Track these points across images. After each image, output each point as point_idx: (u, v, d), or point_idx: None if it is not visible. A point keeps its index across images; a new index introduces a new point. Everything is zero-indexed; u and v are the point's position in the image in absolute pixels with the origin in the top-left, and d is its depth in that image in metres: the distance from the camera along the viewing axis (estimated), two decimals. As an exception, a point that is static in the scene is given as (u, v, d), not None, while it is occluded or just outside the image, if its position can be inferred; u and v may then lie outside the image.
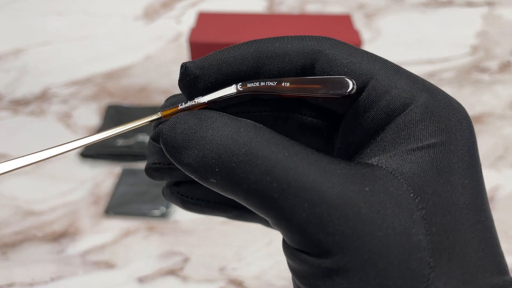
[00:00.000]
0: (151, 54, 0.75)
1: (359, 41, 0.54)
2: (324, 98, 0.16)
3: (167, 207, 0.49)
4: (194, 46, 0.54)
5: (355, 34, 0.55)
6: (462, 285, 0.14)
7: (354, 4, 0.89)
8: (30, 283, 0.44)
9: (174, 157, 0.16)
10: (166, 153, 0.16)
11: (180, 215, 0.49)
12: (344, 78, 0.15)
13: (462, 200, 0.15)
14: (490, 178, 0.55)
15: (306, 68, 0.17)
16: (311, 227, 0.14)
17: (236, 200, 0.15)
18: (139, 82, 0.69)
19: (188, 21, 0.82)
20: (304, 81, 0.16)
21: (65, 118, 0.63)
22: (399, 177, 0.14)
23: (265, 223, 0.20)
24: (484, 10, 0.88)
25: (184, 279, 0.44)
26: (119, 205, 0.50)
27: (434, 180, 0.14)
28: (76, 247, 0.47)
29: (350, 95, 0.15)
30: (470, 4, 0.89)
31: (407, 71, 0.16)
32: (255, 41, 0.17)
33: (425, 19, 0.86)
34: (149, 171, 0.20)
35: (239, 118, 0.16)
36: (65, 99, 0.66)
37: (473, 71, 0.73)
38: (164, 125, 0.17)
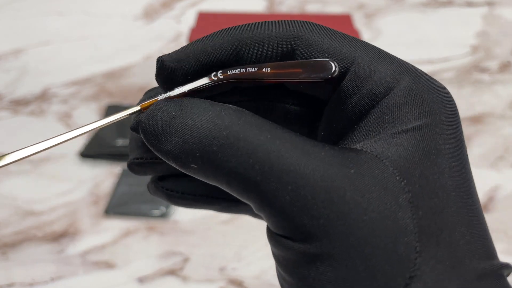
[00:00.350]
0: (151, 54, 0.75)
1: (359, 41, 0.54)
2: (306, 82, 0.16)
3: (167, 207, 0.49)
4: (194, 46, 0.54)
5: (355, 34, 0.55)
6: (449, 269, 0.13)
7: (354, 4, 0.89)
8: (30, 283, 0.44)
9: (153, 145, 0.16)
10: (145, 142, 0.16)
11: (180, 215, 0.49)
12: (325, 60, 0.15)
13: (450, 182, 0.14)
14: (490, 178, 0.55)
15: (286, 54, 0.16)
16: (295, 211, 0.13)
17: (219, 186, 0.15)
18: (139, 82, 0.69)
19: (188, 21, 0.82)
20: (285, 65, 0.16)
21: (65, 118, 0.63)
22: (384, 161, 0.14)
23: (253, 213, 0.20)
24: (484, 10, 0.88)
25: (184, 279, 0.44)
26: (119, 205, 0.50)
27: (421, 162, 0.14)
28: (76, 247, 0.47)
29: (332, 78, 0.15)
30: (470, 4, 0.89)
31: (390, 54, 0.16)
32: (233, 28, 0.17)
33: (425, 19, 0.86)
34: (131, 166, 0.20)
35: (220, 103, 0.15)
36: (65, 99, 0.66)
37: (473, 71, 0.73)
38: (143, 114, 0.16)
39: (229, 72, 0.16)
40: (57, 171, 0.54)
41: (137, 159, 0.20)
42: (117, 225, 0.49)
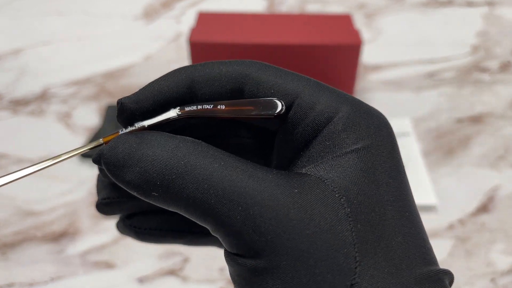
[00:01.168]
0: (151, 54, 0.75)
1: (359, 41, 0.54)
2: (257, 118, 0.18)
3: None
4: (194, 46, 0.54)
5: (355, 34, 0.55)
6: (388, 276, 0.15)
7: (355, 4, 0.89)
8: (30, 283, 0.44)
9: (115, 175, 0.17)
10: (107, 173, 0.17)
11: (180, 215, 0.49)
12: (273, 99, 0.17)
13: (387, 197, 0.16)
14: (490, 178, 0.55)
15: (236, 91, 0.18)
16: (246, 229, 0.15)
17: (178, 211, 0.16)
18: (139, 82, 0.69)
19: (188, 21, 0.82)
20: (238, 103, 0.18)
21: (65, 118, 0.63)
22: (326, 181, 0.15)
23: (219, 245, 0.21)
24: (484, 10, 0.88)
25: (184, 279, 0.44)
26: (119, 205, 0.50)
27: (359, 180, 0.15)
28: (76, 247, 0.47)
29: (280, 115, 0.17)
30: (470, 4, 0.89)
31: (329, 86, 0.18)
32: (185, 67, 0.18)
33: (425, 19, 0.86)
34: (99, 206, 0.21)
35: (178, 136, 0.17)
36: (65, 99, 0.66)
37: (474, 71, 0.73)
38: (105, 146, 0.17)
39: (187, 109, 0.18)
40: (57, 171, 0.54)
41: (105, 199, 0.21)
42: (117, 225, 0.49)
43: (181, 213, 0.16)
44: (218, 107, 0.18)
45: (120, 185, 0.17)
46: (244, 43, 0.54)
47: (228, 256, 0.16)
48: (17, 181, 0.17)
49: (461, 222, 0.50)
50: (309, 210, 0.15)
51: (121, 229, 0.22)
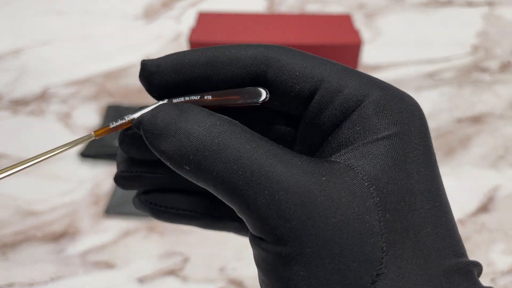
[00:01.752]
0: (151, 54, 0.75)
1: (359, 41, 0.54)
2: (242, 107, 0.18)
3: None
4: (194, 46, 0.54)
5: (355, 34, 0.55)
6: (416, 267, 0.14)
7: (354, 4, 0.89)
8: (30, 283, 0.44)
9: (151, 143, 0.17)
10: (144, 139, 0.17)
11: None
12: (257, 88, 0.17)
13: (417, 187, 0.15)
14: (490, 178, 0.55)
15: (259, 74, 0.18)
16: (270, 213, 0.15)
17: (207, 188, 0.16)
18: (139, 82, 0.69)
19: (188, 21, 0.82)
20: (224, 93, 0.18)
21: (65, 118, 0.63)
22: (355, 169, 0.15)
23: (235, 230, 0.21)
24: (484, 10, 0.88)
25: (184, 279, 0.44)
26: (119, 205, 0.50)
27: (390, 169, 0.15)
28: (76, 247, 0.47)
29: (264, 102, 0.17)
30: (470, 4, 0.89)
31: (357, 71, 0.17)
32: (210, 47, 0.18)
33: (425, 19, 0.86)
34: (118, 179, 0.21)
35: (217, 114, 0.17)
36: (64, 99, 0.66)
37: (474, 71, 0.73)
38: (146, 113, 0.17)
39: (174, 101, 0.18)
40: (57, 171, 0.54)
41: (124, 172, 0.21)
42: (117, 225, 0.49)
43: (209, 190, 0.16)
44: (205, 97, 0.18)
45: (154, 152, 0.17)
46: (244, 43, 0.54)
47: (253, 239, 0.16)
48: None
49: (461, 222, 0.50)
50: (336, 198, 0.14)
51: (137, 205, 0.22)
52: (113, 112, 0.62)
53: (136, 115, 0.18)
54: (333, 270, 0.14)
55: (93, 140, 0.19)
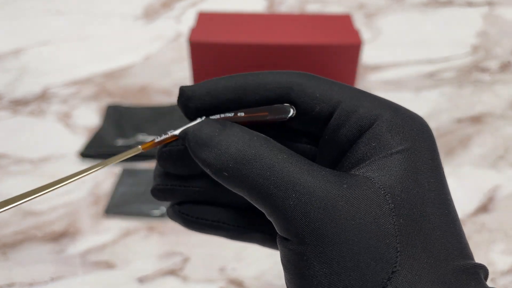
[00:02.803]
0: (151, 54, 0.75)
1: (359, 41, 0.54)
2: (271, 121, 0.20)
3: (167, 207, 0.49)
4: (194, 46, 0.54)
5: (355, 34, 0.55)
6: (427, 266, 0.16)
7: (354, 3, 0.89)
8: (30, 283, 0.44)
9: (194, 152, 0.19)
10: (188, 148, 0.20)
11: (180, 215, 0.49)
12: (285, 105, 0.20)
13: (428, 195, 0.17)
14: (490, 178, 0.55)
15: (283, 96, 0.20)
16: (297, 215, 0.16)
17: (241, 193, 0.18)
18: (139, 82, 0.69)
19: (188, 21, 0.82)
20: (255, 110, 0.20)
21: (65, 118, 0.63)
22: (372, 179, 0.17)
23: (259, 241, 0.24)
24: (484, 10, 0.88)
25: (184, 279, 0.44)
26: (119, 205, 0.50)
27: (403, 179, 0.17)
28: (76, 247, 0.47)
29: (291, 118, 0.19)
30: (470, 4, 0.89)
31: (371, 93, 0.19)
32: (241, 74, 0.21)
33: (425, 19, 0.86)
34: (154, 191, 0.23)
35: (253, 131, 0.20)
36: (65, 99, 0.66)
37: (474, 71, 0.73)
38: (191, 127, 0.20)
39: (211, 117, 0.21)
40: (57, 171, 0.54)
41: (159, 185, 0.23)
42: (117, 225, 0.49)
43: (243, 195, 0.18)
44: (238, 114, 0.20)
45: (196, 160, 0.19)
46: (244, 43, 0.54)
47: (281, 241, 0.18)
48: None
49: (461, 222, 0.50)
50: (356, 204, 0.16)
51: (170, 215, 0.24)
52: (113, 111, 0.62)
53: (177, 131, 0.21)
54: (353, 267, 0.16)
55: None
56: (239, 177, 0.18)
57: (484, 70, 0.73)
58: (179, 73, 0.71)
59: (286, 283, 0.18)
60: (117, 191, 0.51)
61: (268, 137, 0.19)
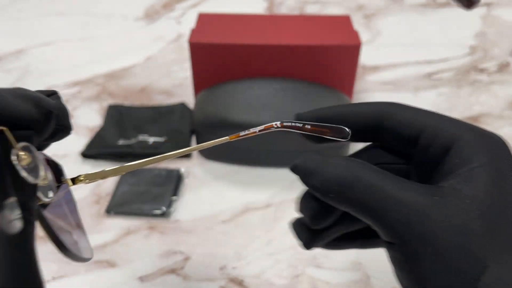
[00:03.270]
0: (152, 54, 0.76)
1: (358, 42, 0.54)
2: (329, 138, 0.24)
3: (168, 206, 0.50)
4: (195, 46, 0.55)
5: (354, 34, 0.56)
6: None
7: (353, 5, 0.89)
8: (32, 281, 0.44)
9: (304, 180, 0.23)
10: (298, 177, 0.24)
11: (181, 214, 0.50)
12: (343, 127, 0.23)
13: (509, 200, 0.20)
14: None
15: (378, 123, 0.24)
16: (398, 223, 0.20)
17: (346, 209, 0.22)
18: (140, 83, 0.70)
19: (189, 22, 0.83)
20: (320, 126, 0.24)
21: (67, 118, 0.63)
22: (458, 190, 0.20)
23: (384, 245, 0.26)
24: (482, 10, 0.88)
25: (185, 278, 0.44)
26: (120, 205, 0.50)
27: (486, 188, 0.20)
28: (78, 246, 0.47)
29: (347, 139, 0.23)
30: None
31: (450, 116, 0.23)
32: (342, 105, 0.25)
33: (424, 19, 0.86)
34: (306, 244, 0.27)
35: (350, 157, 0.23)
36: (66, 99, 0.66)
37: (472, 71, 0.73)
38: (299, 159, 0.24)
39: (285, 123, 0.25)
40: (59, 171, 0.55)
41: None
42: (118, 224, 0.49)
43: (348, 211, 0.22)
44: (306, 126, 0.24)
45: (305, 186, 0.23)
46: (244, 44, 0.54)
47: (387, 245, 0.21)
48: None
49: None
50: (445, 211, 0.19)
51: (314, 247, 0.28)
52: (114, 111, 0.63)
53: (257, 128, 0.25)
54: (451, 262, 0.19)
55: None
56: (343, 197, 0.22)
57: (482, 70, 0.73)
58: (180, 74, 0.71)
59: (397, 276, 0.22)
60: (118, 191, 0.52)
61: (364, 161, 0.23)
